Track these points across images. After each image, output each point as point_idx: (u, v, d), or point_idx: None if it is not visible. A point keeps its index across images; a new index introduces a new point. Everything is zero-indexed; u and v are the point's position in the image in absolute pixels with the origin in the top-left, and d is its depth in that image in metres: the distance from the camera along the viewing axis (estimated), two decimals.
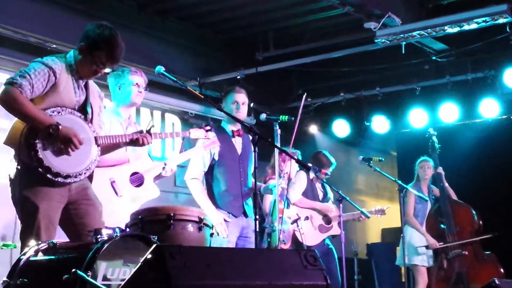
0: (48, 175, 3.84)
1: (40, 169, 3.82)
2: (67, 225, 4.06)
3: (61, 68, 3.98)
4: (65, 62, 4.04)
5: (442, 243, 7.32)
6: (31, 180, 3.88)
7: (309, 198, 7.28)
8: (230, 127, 5.64)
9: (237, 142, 5.63)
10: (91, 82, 4.24)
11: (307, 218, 7.00)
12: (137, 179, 4.86)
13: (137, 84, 5.03)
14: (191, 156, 5.33)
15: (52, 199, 3.94)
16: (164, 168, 4.98)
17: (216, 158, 5.45)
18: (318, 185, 7.45)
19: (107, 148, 4.30)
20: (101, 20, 7.60)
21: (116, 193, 4.70)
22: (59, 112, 3.93)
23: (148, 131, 4.42)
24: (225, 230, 5.27)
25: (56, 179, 3.87)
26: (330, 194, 7.45)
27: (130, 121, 5.10)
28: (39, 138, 3.82)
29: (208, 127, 4.88)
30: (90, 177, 4.18)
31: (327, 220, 7.26)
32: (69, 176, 3.92)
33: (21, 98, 3.79)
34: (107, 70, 4.25)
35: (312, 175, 7.30)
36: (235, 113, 5.51)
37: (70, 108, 4.01)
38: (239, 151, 5.60)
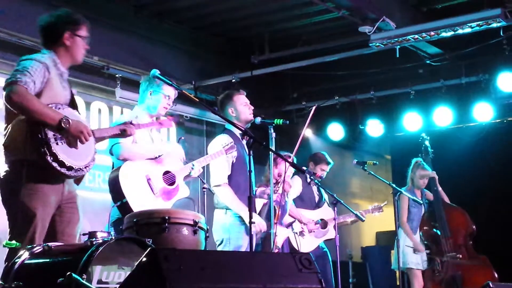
0: (62, 169, 3.85)
1: (54, 164, 3.81)
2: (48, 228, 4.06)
3: (49, 64, 4.00)
4: (50, 58, 4.06)
5: (428, 251, 7.35)
6: (33, 182, 3.88)
7: (305, 201, 7.28)
8: (236, 130, 5.60)
9: (244, 144, 5.63)
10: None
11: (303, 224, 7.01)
12: (169, 178, 4.94)
13: (168, 96, 5.07)
14: (214, 161, 5.40)
15: (48, 205, 3.96)
16: (193, 168, 5.06)
17: (234, 160, 5.46)
18: (314, 188, 7.46)
19: (99, 140, 4.37)
20: (97, 22, 7.69)
21: (152, 190, 4.79)
22: (59, 108, 3.95)
23: (131, 122, 4.50)
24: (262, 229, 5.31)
25: (69, 173, 3.89)
26: (326, 197, 7.46)
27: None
28: (48, 134, 3.83)
29: (172, 117, 4.96)
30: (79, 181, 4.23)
31: (324, 224, 7.26)
32: (79, 169, 3.96)
33: (30, 95, 3.80)
34: None
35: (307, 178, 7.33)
36: (249, 114, 5.60)
37: (64, 103, 4.04)
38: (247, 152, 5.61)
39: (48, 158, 3.81)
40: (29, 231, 3.87)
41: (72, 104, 4.12)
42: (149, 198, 4.75)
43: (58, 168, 3.84)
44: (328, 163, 7.56)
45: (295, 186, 7.22)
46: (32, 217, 3.88)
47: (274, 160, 6.95)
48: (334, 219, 6.64)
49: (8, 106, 3.85)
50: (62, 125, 3.83)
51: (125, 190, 4.61)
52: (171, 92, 5.07)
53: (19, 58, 4.00)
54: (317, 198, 7.45)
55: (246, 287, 2.97)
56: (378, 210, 7.67)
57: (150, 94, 5.06)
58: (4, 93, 3.83)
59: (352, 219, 7.48)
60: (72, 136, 3.89)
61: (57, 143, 3.85)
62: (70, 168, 3.89)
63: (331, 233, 7.27)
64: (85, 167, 4.00)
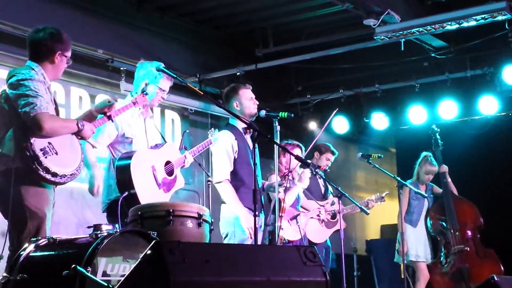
0: (56, 179, 4.06)
1: (48, 176, 4.02)
2: None
3: (44, 81, 4.25)
4: (40, 73, 4.29)
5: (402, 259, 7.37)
6: (29, 185, 4.07)
7: (312, 193, 7.27)
8: (240, 124, 5.60)
9: (248, 138, 5.61)
10: None
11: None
12: (169, 168, 4.94)
13: (163, 90, 5.01)
14: (215, 157, 5.38)
15: (50, 203, 4.16)
16: (186, 158, 5.07)
17: (236, 156, 5.44)
18: (320, 181, 7.46)
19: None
20: (101, 16, 7.69)
21: (156, 182, 4.78)
22: None
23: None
24: (252, 235, 5.29)
25: (63, 180, 4.10)
26: (331, 189, 7.47)
27: (147, 112, 5.11)
28: (36, 150, 4.01)
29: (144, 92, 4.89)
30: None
31: (333, 214, 7.26)
32: (71, 174, 4.16)
33: (54, 118, 4.14)
34: None
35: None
36: (253, 109, 5.57)
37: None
38: (251, 147, 5.59)
39: (41, 173, 4.00)
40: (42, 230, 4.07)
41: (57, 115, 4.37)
42: (154, 190, 4.75)
43: (52, 178, 4.05)
44: (333, 153, 7.59)
45: (307, 177, 7.19)
46: (42, 217, 4.08)
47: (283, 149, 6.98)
48: (339, 212, 6.64)
49: (41, 133, 4.05)
50: (80, 127, 4.22)
51: (135, 181, 4.58)
52: (167, 86, 5.02)
53: (14, 74, 4.19)
54: (323, 190, 7.47)
55: (250, 280, 2.98)
56: (380, 200, 7.64)
57: (146, 85, 4.96)
58: (32, 124, 4.03)
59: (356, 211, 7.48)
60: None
61: (46, 157, 4.03)
62: (63, 176, 4.11)
63: (339, 224, 7.29)
64: (76, 170, 4.20)
